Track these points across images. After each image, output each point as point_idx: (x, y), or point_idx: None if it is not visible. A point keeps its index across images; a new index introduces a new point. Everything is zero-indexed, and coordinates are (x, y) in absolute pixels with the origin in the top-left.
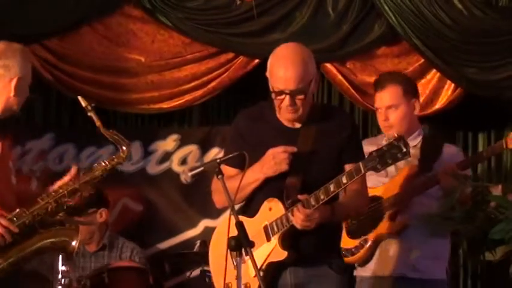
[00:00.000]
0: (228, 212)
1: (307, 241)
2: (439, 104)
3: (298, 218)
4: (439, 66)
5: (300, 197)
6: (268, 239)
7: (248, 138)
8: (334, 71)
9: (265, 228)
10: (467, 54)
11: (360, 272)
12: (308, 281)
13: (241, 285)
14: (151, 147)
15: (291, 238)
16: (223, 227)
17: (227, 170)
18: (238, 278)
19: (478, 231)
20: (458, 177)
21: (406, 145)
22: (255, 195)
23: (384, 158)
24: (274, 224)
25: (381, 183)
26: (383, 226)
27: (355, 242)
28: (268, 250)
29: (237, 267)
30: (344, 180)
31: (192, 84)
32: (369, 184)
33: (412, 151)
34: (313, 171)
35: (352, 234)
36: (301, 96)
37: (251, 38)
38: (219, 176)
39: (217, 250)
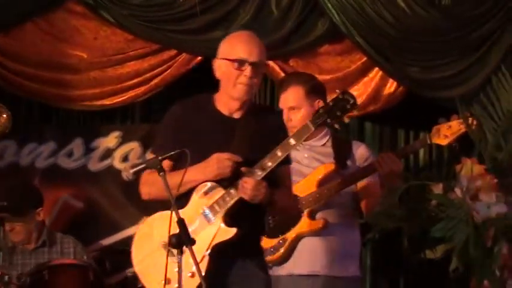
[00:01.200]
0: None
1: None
2: (380, 103)
3: (247, 189)
4: (382, 64)
5: (243, 169)
6: (210, 222)
7: (186, 128)
8: (277, 68)
9: (204, 212)
10: (410, 53)
11: (276, 271)
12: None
13: (182, 283)
14: (93, 144)
15: (234, 215)
16: (147, 227)
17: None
18: (179, 275)
19: (419, 229)
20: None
21: (353, 96)
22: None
23: (333, 112)
24: (214, 205)
25: (294, 182)
26: (303, 225)
27: (273, 242)
28: (212, 232)
29: (179, 265)
30: (292, 141)
31: (135, 81)
32: None
33: (323, 150)
34: (253, 161)
35: (270, 234)
36: (261, 71)
37: (194, 35)
38: (161, 173)
39: (144, 250)
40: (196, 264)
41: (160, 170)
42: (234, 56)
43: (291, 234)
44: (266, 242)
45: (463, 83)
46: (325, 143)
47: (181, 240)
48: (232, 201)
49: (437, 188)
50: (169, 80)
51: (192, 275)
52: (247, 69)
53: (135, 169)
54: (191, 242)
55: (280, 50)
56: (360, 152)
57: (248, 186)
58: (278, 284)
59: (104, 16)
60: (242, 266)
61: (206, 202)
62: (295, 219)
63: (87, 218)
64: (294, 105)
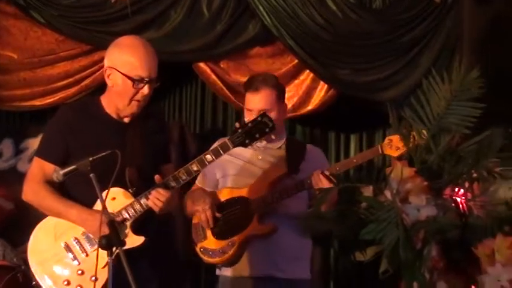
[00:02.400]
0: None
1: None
2: (311, 105)
3: (158, 200)
4: (313, 67)
5: (156, 178)
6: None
7: (76, 132)
8: (208, 70)
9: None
10: (341, 56)
11: (224, 272)
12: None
13: (111, 284)
14: (23, 145)
15: (141, 224)
16: (42, 230)
17: (45, 166)
18: (109, 276)
19: (349, 232)
20: (332, 180)
21: (271, 120)
22: (81, 189)
23: (251, 133)
24: (123, 211)
25: (245, 184)
26: (253, 228)
27: (222, 243)
28: None
29: (109, 267)
30: (209, 158)
31: (65, 81)
32: (229, 185)
33: (277, 153)
34: (144, 164)
35: (219, 236)
36: (154, 86)
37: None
38: (91, 175)
39: (42, 253)
40: (128, 267)
41: (91, 171)
42: (133, 74)
43: (240, 237)
44: (215, 243)
45: (394, 85)
46: (280, 146)
47: (111, 241)
48: (142, 211)
49: (367, 191)
50: (100, 81)
51: (96, 279)
52: (145, 88)
53: (65, 170)
54: (121, 243)
55: (211, 52)
56: (314, 156)
57: (161, 199)
58: (227, 285)
59: (35, 17)
60: (140, 272)
61: (113, 208)
62: (245, 222)
63: (17, 219)
64: (267, 107)
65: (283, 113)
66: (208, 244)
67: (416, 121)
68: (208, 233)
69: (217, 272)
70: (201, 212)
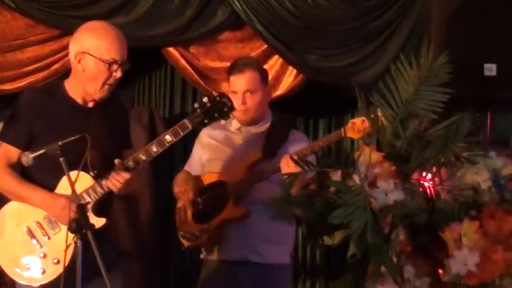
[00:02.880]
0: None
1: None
2: (280, 90)
3: (117, 182)
4: (282, 52)
5: (116, 161)
6: None
7: (40, 116)
8: (178, 55)
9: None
10: (310, 41)
11: (206, 256)
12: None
13: (80, 268)
14: None
15: (103, 206)
16: (4, 214)
17: (9, 150)
18: (78, 259)
19: (317, 216)
20: (300, 164)
21: (230, 100)
22: (41, 173)
23: (210, 113)
24: (84, 194)
25: (225, 168)
26: (227, 211)
27: (199, 227)
28: None
29: (78, 251)
30: (168, 138)
31: (35, 66)
32: (214, 168)
33: (259, 138)
34: (106, 149)
35: (198, 219)
36: (125, 69)
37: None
38: (61, 159)
39: (4, 237)
40: (98, 250)
41: (60, 155)
42: (108, 57)
43: (215, 221)
44: (194, 227)
45: (363, 71)
46: (264, 130)
47: (80, 225)
48: (103, 192)
49: (336, 175)
50: (70, 66)
51: (58, 262)
52: (119, 71)
53: (35, 154)
54: (90, 227)
55: (180, 37)
56: (295, 141)
57: (121, 180)
58: (208, 267)
59: (4, 1)
60: (103, 254)
61: (76, 189)
62: (221, 206)
63: None
64: (252, 88)
65: (267, 96)
66: (188, 228)
67: (384, 106)
68: (189, 216)
69: (201, 255)
70: (183, 194)
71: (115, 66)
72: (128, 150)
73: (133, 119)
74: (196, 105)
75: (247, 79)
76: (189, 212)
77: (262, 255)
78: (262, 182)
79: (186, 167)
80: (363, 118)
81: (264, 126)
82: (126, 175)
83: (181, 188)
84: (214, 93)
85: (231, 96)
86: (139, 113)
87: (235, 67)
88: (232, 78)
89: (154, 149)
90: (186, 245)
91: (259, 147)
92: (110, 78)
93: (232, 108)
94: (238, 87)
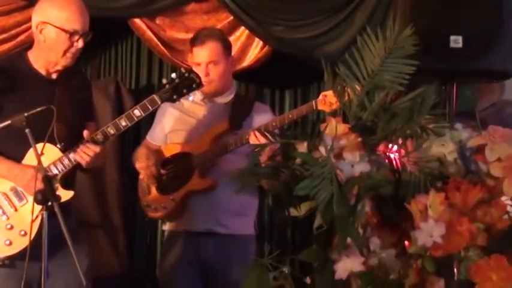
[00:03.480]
0: None
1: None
2: (247, 62)
3: (86, 155)
4: (247, 24)
5: (85, 133)
6: None
7: (4, 87)
8: (144, 26)
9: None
10: (275, 12)
11: (169, 227)
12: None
13: (46, 240)
14: None
15: (69, 178)
16: None
17: None
18: (43, 232)
19: (283, 188)
20: (267, 135)
21: (198, 76)
22: (6, 144)
23: (179, 89)
24: (52, 166)
25: (189, 139)
26: (193, 183)
27: (164, 198)
28: None
29: (44, 223)
30: (137, 113)
31: (0, 37)
32: (178, 139)
33: (224, 108)
34: (71, 121)
35: (163, 190)
36: (87, 40)
37: None
38: (27, 130)
39: None
40: (63, 221)
41: (26, 126)
42: (69, 27)
43: (180, 192)
44: (158, 198)
45: (329, 43)
46: (228, 102)
47: (46, 196)
48: (71, 165)
49: (302, 147)
50: None
51: (25, 234)
52: (80, 41)
53: (0, 125)
54: (56, 198)
55: (146, 8)
56: (259, 113)
57: (90, 153)
58: (171, 239)
59: None
60: (68, 226)
61: (43, 162)
62: (186, 177)
63: None
64: (215, 59)
65: (231, 66)
66: (152, 199)
67: (350, 78)
68: (153, 188)
69: (163, 227)
70: (145, 169)
71: (76, 37)
72: (91, 123)
73: (99, 91)
74: (164, 80)
75: (209, 50)
76: (152, 185)
77: (227, 226)
78: (228, 153)
79: (148, 138)
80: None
81: (228, 97)
82: (96, 148)
83: (142, 164)
84: (183, 70)
85: (194, 67)
86: (105, 84)
87: (198, 39)
88: (195, 49)
89: (123, 123)
90: (149, 216)
91: (224, 119)
92: (71, 48)
93: (200, 84)
94: (201, 58)
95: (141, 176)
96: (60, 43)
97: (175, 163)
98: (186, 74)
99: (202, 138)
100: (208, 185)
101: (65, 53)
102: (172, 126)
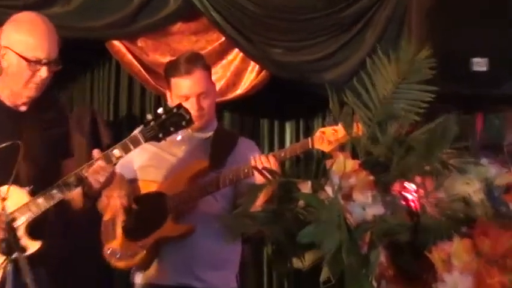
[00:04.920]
0: None
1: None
2: (241, 89)
3: (100, 175)
4: (242, 45)
5: (94, 152)
6: None
7: None
8: (123, 49)
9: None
10: (273, 32)
11: (137, 279)
12: None
13: None
14: None
15: (38, 226)
16: None
17: None
18: (7, 285)
19: (284, 235)
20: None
21: (188, 112)
22: None
23: (166, 127)
24: (17, 213)
25: (163, 177)
26: (166, 228)
27: (132, 245)
28: None
29: (7, 276)
30: (117, 153)
31: None
32: (149, 177)
33: (204, 144)
34: (42, 159)
35: (130, 235)
36: (54, 69)
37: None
38: None
39: None
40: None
41: None
42: (31, 55)
43: (151, 238)
44: (125, 244)
45: (335, 66)
46: (209, 137)
47: (11, 246)
48: (39, 212)
49: (305, 187)
50: None
51: None
52: (43, 70)
53: None
54: (21, 249)
55: (126, 29)
56: (244, 150)
57: (102, 173)
58: None
59: None
60: (37, 282)
61: (6, 208)
62: (158, 221)
63: None
64: (205, 90)
65: (214, 96)
66: (117, 245)
67: (360, 106)
68: (119, 231)
69: (133, 279)
70: (114, 199)
71: (38, 66)
72: (68, 160)
73: (73, 122)
74: (149, 116)
75: (198, 80)
76: (120, 225)
77: (206, 281)
78: (209, 195)
79: (118, 169)
80: (334, 127)
81: (209, 131)
82: (108, 167)
83: (113, 192)
84: (170, 104)
85: (178, 101)
86: (79, 115)
87: (180, 67)
88: (178, 80)
89: (102, 164)
90: (114, 265)
91: (204, 156)
92: (34, 78)
93: (190, 121)
94: (190, 90)
95: (105, 217)
96: (21, 71)
97: (146, 204)
98: (175, 110)
99: (178, 177)
100: (184, 231)
101: (27, 83)
102: (143, 161)
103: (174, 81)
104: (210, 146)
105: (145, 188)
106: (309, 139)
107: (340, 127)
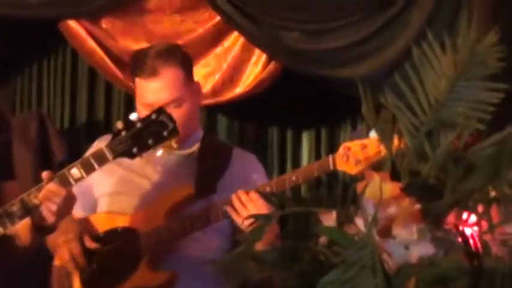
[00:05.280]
0: None
1: None
2: (241, 87)
3: (52, 203)
4: (243, 27)
5: (44, 175)
6: None
7: None
8: (83, 33)
9: None
10: (286, 12)
11: None
12: None
13: None
14: None
15: None
16: None
17: None
18: None
19: (300, 281)
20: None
21: (172, 119)
22: None
23: (141, 139)
24: None
25: (134, 208)
26: (140, 277)
27: None
28: None
29: None
30: (76, 174)
31: None
32: (113, 207)
33: (187, 162)
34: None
35: (91, 286)
36: None
37: None
38: None
39: None
40: None
41: None
42: None
43: None
44: None
45: (368, 56)
46: (192, 152)
47: None
48: None
49: (328, 218)
50: None
51: None
52: None
53: None
54: None
55: (87, 6)
56: (242, 167)
57: (55, 199)
58: None
59: None
60: None
61: None
62: (129, 268)
63: None
64: (176, 96)
65: (196, 100)
66: None
67: (403, 111)
68: (76, 282)
69: None
70: (61, 246)
71: None
72: (8, 183)
73: (14, 131)
74: (119, 125)
75: (167, 85)
76: (76, 274)
77: None
78: (195, 232)
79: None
80: (363, 141)
81: (193, 144)
82: (61, 191)
83: (58, 239)
84: (138, 111)
85: (143, 108)
86: (24, 122)
87: (143, 64)
88: (141, 82)
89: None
90: None
91: (188, 178)
92: None
93: (175, 131)
94: (154, 97)
95: (56, 261)
96: None
97: (111, 244)
98: (153, 116)
99: (154, 207)
100: (164, 280)
101: None
102: (108, 187)
103: (137, 82)
104: (196, 165)
105: (109, 222)
106: (330, 158)
107: (371, 141)
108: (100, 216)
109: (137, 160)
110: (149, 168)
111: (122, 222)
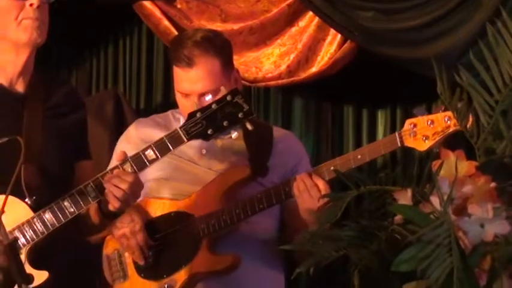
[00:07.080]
0: None
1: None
2: (316, 66)
3: (118, 189)
4: (319, 7)
5: (118, 156)
6: None
7: None
8: (158, 13)
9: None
10: None
11: None
12: None
13: None
14: None
15: (44, 252)
16: None
17: None
18: None
19: (375, 260)
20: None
21: (247, 100)
22: None
23: (216, 120)
24: (17, 232)
25: (186, 194)
26: (200, 261)
27: (154, 285)
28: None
29: None
30: (151, 155)
31: None
32: (163, 193)
33: (231, 145)
34: (48, 160)
35: (148, 274)
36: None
37: None
38: None
39: None
40: None
41: None
42: None
43: (182, 276)
44: (143, 286)
45: (443, 35)
46: (235, 135)
47: (12, 276)
48: (46, 232)
49: (404, 197)
50: None
51: None
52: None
53: None
54: (27, 280)
55: None
56: (285, 147)
57: (122, 186)
58: None
59: None
60: None
61: (8, 223)
62: (188, 252)
63: None
64: (212, 88)
65: (236, 85)
66: (132, 287)
67: (478, 90)
68: (131, 269)
69: None
70: (128, 237)
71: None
72: (83, 162)
73: (90, 110)
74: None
75: (203, 76)
76: (131, 264)
77: None
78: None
79: None
80: (430, 116)
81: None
82: (129, 177)
83: (125, 230)
84: (223, 89)
85: (180, 99)
86: (100, 101)
87: (180, 55)
88: (178, 71)
89: (130, 170)
90: None
91: (238, 161)
92: (25, 11)
93: (250, 113)
94: (189, 87)
95: (107, 250)
96: (8, 7)
97: (167, 230)
98: (228, 98)
99: (208, 191)
100: (229, 264)
101: (18, 20)
102: (156, 173)
103: (175, 69)
104: (247, 148)
105: (162, 208)
106: (396, 134)
107: (437, 116)
108: (151, 202)
109: (181, 147)
110: (195, 153)
111: (174, 207)
